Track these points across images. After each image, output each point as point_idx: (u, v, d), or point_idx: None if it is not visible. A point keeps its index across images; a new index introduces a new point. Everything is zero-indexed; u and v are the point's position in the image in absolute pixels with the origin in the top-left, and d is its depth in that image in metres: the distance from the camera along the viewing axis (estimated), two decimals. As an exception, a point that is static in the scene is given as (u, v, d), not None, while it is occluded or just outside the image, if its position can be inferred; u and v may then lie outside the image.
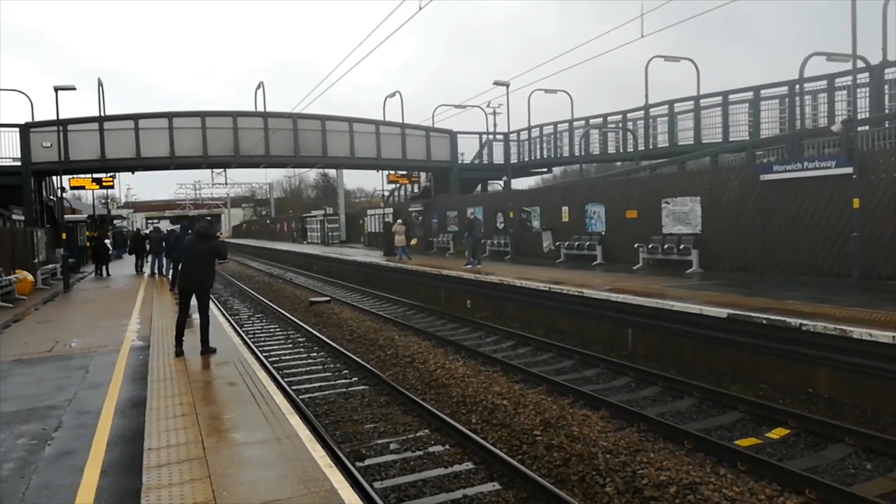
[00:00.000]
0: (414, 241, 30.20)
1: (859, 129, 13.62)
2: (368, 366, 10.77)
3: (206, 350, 9.13)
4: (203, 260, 9.03)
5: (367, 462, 6.86)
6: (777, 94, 21.23)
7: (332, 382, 10.24)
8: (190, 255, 9.11)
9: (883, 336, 7.73)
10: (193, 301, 9.16)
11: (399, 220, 28.24)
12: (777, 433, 7.39)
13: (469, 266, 19.78)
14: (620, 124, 27.65)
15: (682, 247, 16.24)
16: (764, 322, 9.21)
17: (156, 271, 23.23)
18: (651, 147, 26.05)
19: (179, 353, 9.01)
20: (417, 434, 7.66)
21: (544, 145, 32.41)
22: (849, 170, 11.81)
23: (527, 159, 33.46)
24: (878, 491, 5.82)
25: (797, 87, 19.43)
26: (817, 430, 7.31)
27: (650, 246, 17.25)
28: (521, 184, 39.39)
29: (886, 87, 17.33)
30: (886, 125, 14.68)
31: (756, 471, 6.21)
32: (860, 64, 14.18)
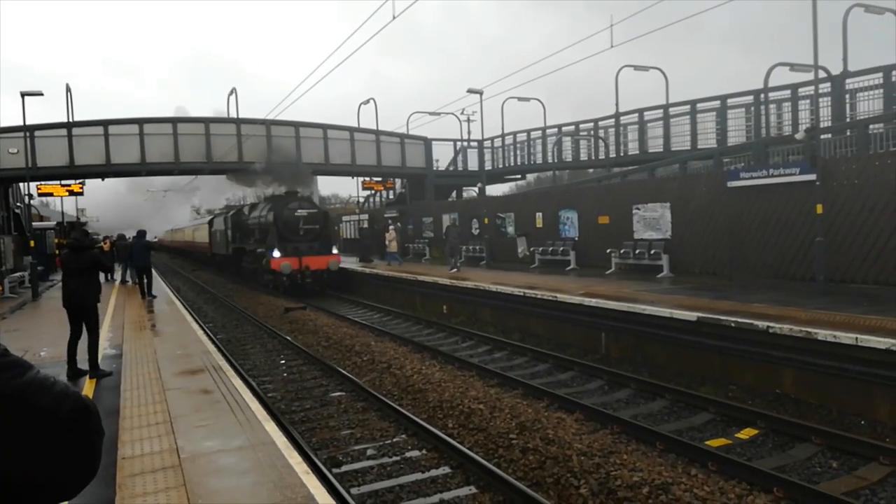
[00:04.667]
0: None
1: (822, 137, 14.03)
2: (345, 372, 10.74)
3: (96, 374, 8.29)
4: (81, 274, 8.18)
5: (345, 468, 6.85)
6: (743, 103, 21.78)
7: (309, 389, 10.20)
8: (67, 270, 8.29)
9: (846, 337, 7.97)
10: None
11: (392, 227, 28.05)
12: (746, 433, 7.55)
13: (455, 270, 20.00)
14: (592, 132, 28.03)
15: (652, 252, 16.51)
16: (732, 325, 9.42)
17: (127, 279, 22.87)
18: (622, 154, 26.48)
19: (71, 375, 8.23)
20: (394, 439, 7.67)
21: (518, 152, 32.71)
22: (812, 176, 12.16)
23: (501, 166, 33.71)
24: (844, 488, 5.98)
25: (762, 96, 19.94)
26: (785, 429, 7.48)
27: (622, 251, 17.50)
28: (495, 190, 39.68)
29: (847, 96, 17.90)
30: (848, 133, 15.16)
31: (726, 470, 6.34)
32: (822, 74, 14.62)
